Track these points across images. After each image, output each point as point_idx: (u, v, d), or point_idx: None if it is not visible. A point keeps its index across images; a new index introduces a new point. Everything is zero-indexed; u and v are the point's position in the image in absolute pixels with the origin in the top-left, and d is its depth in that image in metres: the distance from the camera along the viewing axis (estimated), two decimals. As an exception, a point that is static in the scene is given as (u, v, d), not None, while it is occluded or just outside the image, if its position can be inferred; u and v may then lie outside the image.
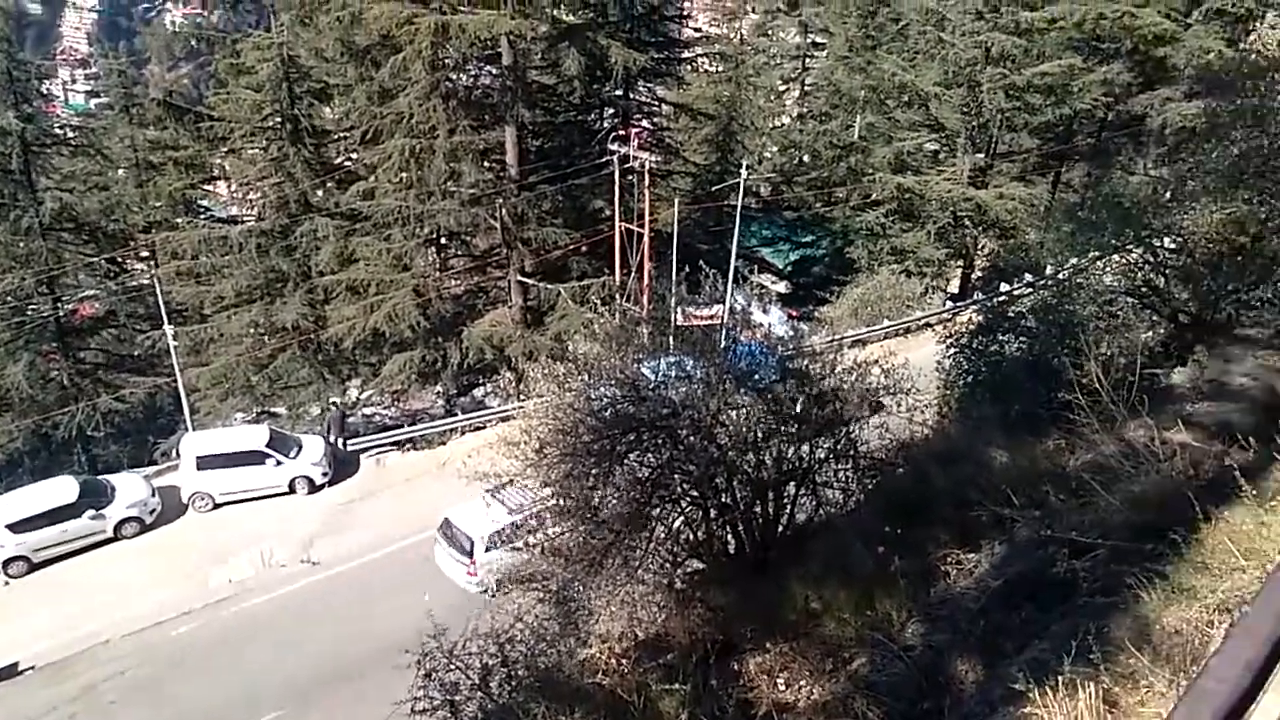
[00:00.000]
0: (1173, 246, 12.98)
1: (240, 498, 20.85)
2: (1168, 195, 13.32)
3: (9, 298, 24.95)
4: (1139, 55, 31.14)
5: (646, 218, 25.78)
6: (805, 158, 39.79)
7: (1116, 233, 13.26)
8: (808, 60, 43.63)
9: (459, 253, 28.25)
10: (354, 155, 28.59)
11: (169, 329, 22.57)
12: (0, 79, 25.09)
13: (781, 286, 35.95)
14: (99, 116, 38.02)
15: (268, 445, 21.03)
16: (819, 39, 43.35)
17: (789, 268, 36.50)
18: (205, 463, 20.62)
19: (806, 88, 43.48)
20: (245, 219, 28.66)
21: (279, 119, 25.99)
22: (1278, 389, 9.23)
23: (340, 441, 23.03)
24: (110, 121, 31.26)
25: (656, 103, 32.27)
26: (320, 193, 27.31)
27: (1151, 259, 13.13)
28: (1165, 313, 13.08)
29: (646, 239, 25.87)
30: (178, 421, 26.58)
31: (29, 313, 25.50)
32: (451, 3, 23.37)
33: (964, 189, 29.60)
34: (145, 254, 29.32)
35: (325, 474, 21.52)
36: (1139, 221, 13.04)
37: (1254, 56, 17.54)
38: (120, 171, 30.08)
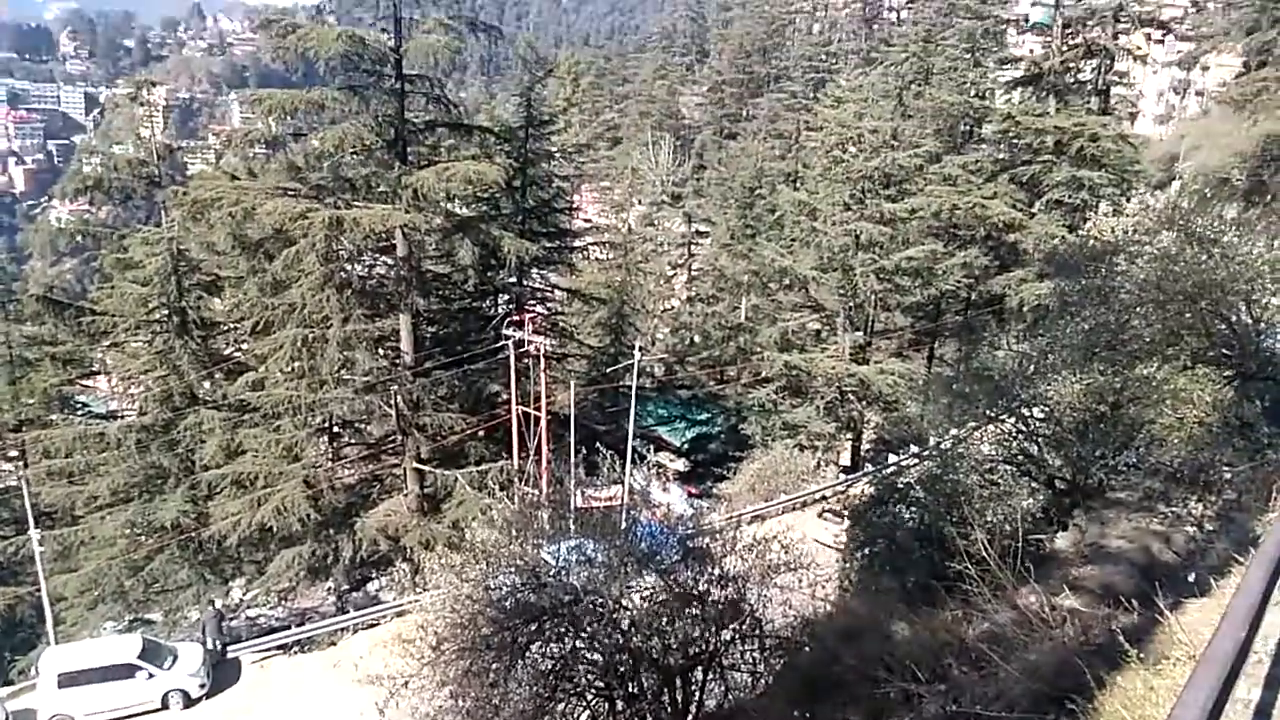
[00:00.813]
0: (1041, 415, 13.81)
1: (107, 718, 19.04)
2: (1031, 368, 14.28)
3: None
4: (993, 240, 34.00)
5: (543, 401, 25.99)
6: (696, 338, 41.24)
7: (989, 404, 14.08)
8: (693, 247, 46.02)
9: (352, 441, 27.71)
10: (244, 346, 28.23)
11: (35, 533, 21.14)
12: None
13: (680, 464, 36.29)
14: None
15: (139, 657, 19.44)
16: (702, 228, 45.94)
17: (686, 445, 37.01)
18: (67, 680, 18.83)
19: (693, 272, 45.62)
20: (126, 414, 27.63)
21: (166, 312, 25.68)
22: (1152, 550, 9.70)
23: (219, 647, 21.49)
24: (-16, 318, 30.20)
25: (550, 288, 33.22)
26: (207, 385, 26.71)
27: (1024, 428, 13.92)
28: (1042, 479, 13.75)
29: (544, 422, 25.96)
30: (39, 635, 24.45)
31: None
32: (346, 198, 23.96)
33: (847, 365, 31.03)
34: (14, 454, 27.76)
35: (203, 685, 19.93)
36: (1008, 393, 13.91)
37: (1091, 242, 19.40)
38: (-9, 368, 28.81)
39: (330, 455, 26.19)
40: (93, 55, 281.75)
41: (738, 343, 36.64)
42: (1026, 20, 40.94)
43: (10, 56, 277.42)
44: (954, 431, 15.23)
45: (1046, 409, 13.77)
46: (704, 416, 37.76)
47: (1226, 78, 48.51)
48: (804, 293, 32.71)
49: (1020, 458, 14.05)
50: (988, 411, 14.14)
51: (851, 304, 31.39)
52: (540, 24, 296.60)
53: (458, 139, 25.97)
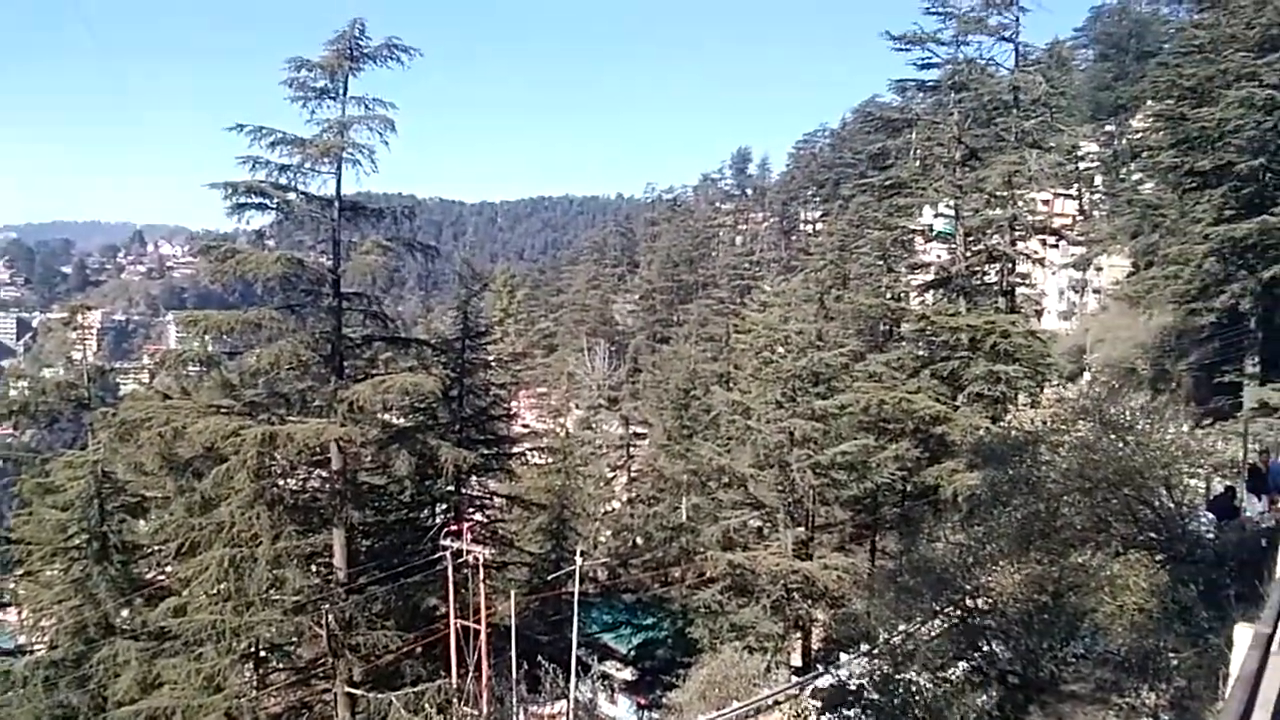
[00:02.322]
0: (986, 607, 13.82)
1: None
2: (971, 559, 14.42)
3: None
4: (921, 433, 34.98)
5: (483, 613, 25.11)
6: (639, 540, 40.77)
7: (933, 596, 14.07)
8: (631, 449, 46.35)
9: (280, 666, 26.17)
10: (167, 570, 27.05)
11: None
12: None
13: (627, 673, 34.88)
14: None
15: None
16: (640, 429, 46.50)
17: (633, 653, 35.73)
18: None
19: (633, 474, 45.71)
20: (35, 648, 25.88)
21: (86, 537, 24.69)
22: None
23: None
24: (-114, 551, 28.62)
25: (488, 496, 32.87)
26: (125, 613, 25.31)
27: (970, 620, 13.88)
28: (994, 674, 13.58)
29: (483, 636, 24.98)
30: None
31: None
32: (281, 413, 23.84)
33: (790, 562, 30.81)
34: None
35: None
36: (951, 584, 13.95)
37: (1014, 433, 20.13)
38: (-112, 606, 27.06)
39: (255, 684, 24.62)
40: (28, 281, 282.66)
41: (680, 543, 36.29)
42: (932, 229, 44.03)
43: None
44: (902, 627, 15.09)
45: (990, 600, 13.80)
46: (650, 621, 36.71)
47: (1119, 276, 52.45)
48: (743, 490, 32.88)
49: (970, 651, 13.91)
50: (933, 605, 14.11)
51: (790, 500, 31.59)
52: (476, 242, 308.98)
53: (395, 352, 26.35)
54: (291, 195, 22.98)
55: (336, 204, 23.04)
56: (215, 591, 23.34)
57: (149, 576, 27.28)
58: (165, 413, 23.15)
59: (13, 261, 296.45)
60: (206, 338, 25.04)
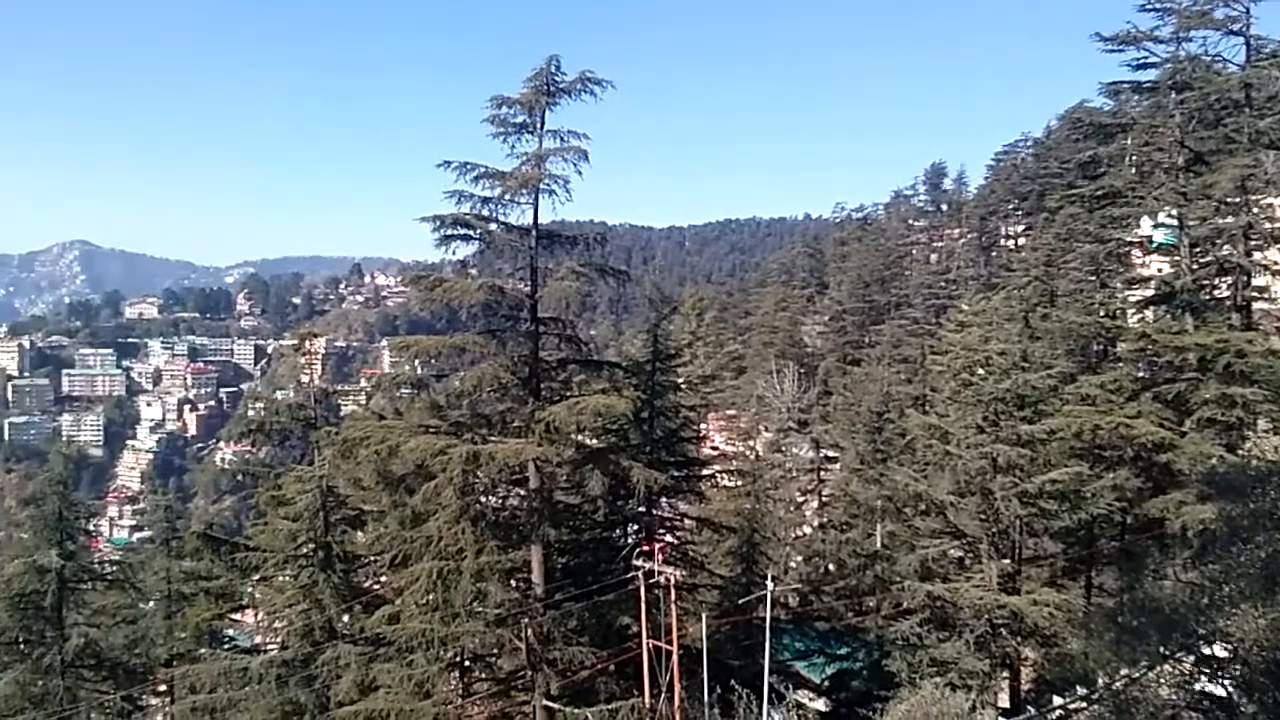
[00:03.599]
0: (1225, 654, 12.51)
1: None
2: (1205, 600, 13.10)
3: (13, 742, 23.91)
4: (1143, 461, 32.26)
5: (674, 634, 25.21)
6: (831, 566, 39.76)
7: (1161, 640, 12.89)
8: (822, 473, 45.38)
9: (483, 676, 27.31)
10: (382, 579, 28.89)
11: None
12: (50, 519, 26.38)
13: (821, 704, 34.00)
14: (139, 550, 39.19)
15: None
16: (831, 453, 45.47)
17: (826, 683, 34.80)
18: None
19: (824, 498, 44.71)
20: (268, 648, 28.24)
21: (312, 546, 26.71)
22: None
23: None
24: (149, 555, 32.17)
25: (679, 517, 33.07)
26: (346, 618, 27.20)
27: (1206, 669, 12.61)
28: (1235, 727, 12.25)
29: (675, 657, 25.06)
30: None
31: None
32: (483, 433, 25.00)
33: (995, 595, 29.11)
34: (163, 689, 28.53)
35: None
36: (1183, 627, 12.73)
37: (1254, 462, 18.20)
38: (151, 604, 30.32)
39: (461, 691, 25.81)
40: (264, 312, 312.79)
41: (875, 571, 35.08)
42: (1151, 241, 40.71)
43: (194, 316, 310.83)
44: (1124, 671, 13.90)
45: (1230, 647, 12.49)
46: (844, 651, 35.67)
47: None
48: (942, 518, 31.41)
49: (1206, 703, 12.63)
50: (1160, 648, 12.91)
51: (994, 529, 29.87)
52: (665, 266, 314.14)
53: (588, 374, 27.12)
54: (493, 226, 24.21)
55: (534, 233, 24.06)
56: (425, 601, 24.69)
57: (366, 585, 29.21)
58: (381, 432, 24.80)
59: (251, 294, 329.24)
60: (416, 362, 26.75)
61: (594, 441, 29.25)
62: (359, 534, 31.02)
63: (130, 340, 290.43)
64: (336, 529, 27.17)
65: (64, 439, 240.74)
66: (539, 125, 23.18)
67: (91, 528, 34.09)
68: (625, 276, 29.47)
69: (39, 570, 25.79)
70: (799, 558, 42.43)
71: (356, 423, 29.29)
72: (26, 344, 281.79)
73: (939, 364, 37.59)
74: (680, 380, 33.76)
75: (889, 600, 32.56)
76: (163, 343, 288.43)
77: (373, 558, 29.67)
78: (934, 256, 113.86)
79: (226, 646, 29.27)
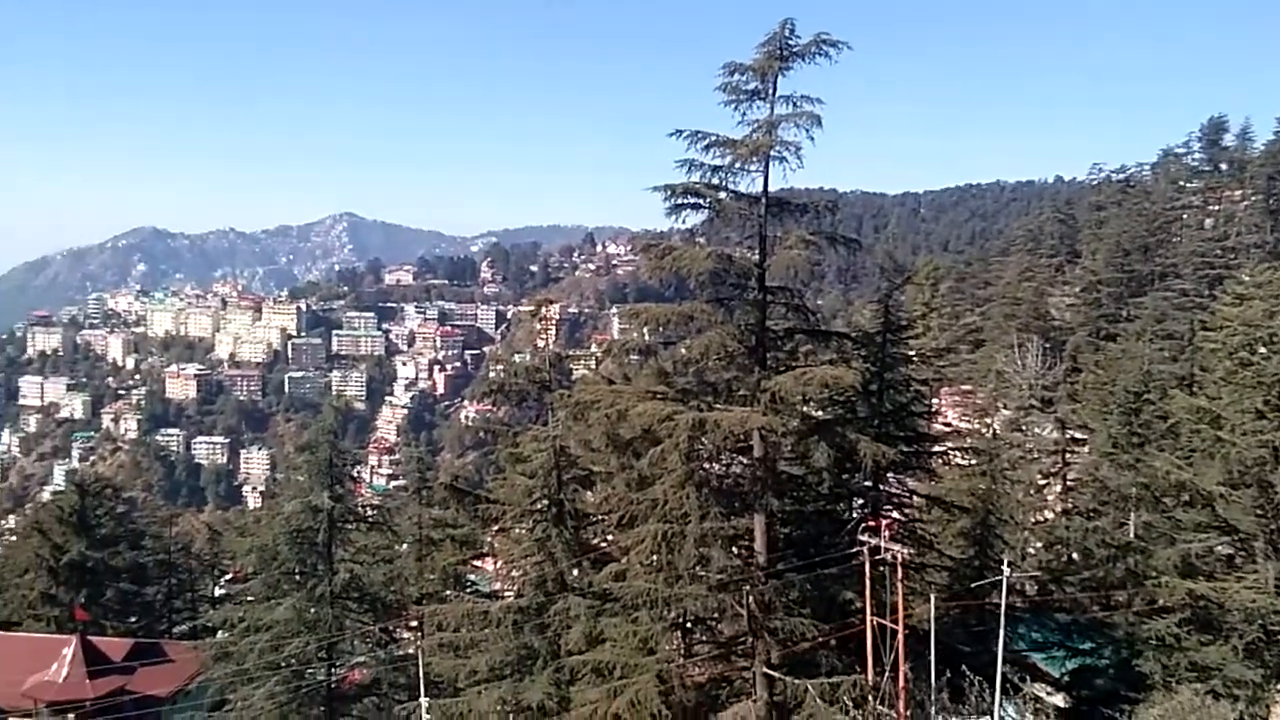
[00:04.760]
0: None
1: None
2: None
3: (292, 661, 26.97)
4: None
5: (900, 612, 24.47)
6: (1075, 556, 37.13)
7: None
8: (1068, 455, 42.30)
9: (704, 639, 27.80)
10: (609, 538, 29.98)
11: (424, 701, 23.26)
12: (322, 465, 29.34)
13: (1059, 699, 31.96)
14: (394, 496, 42.99)
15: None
16: (1078, 434, 42.27)
17: (1066, 678, 32.64)
18: None
19: (1069, 483, 41.71)
20: (505, 595, 30.13)
21: (546, 502, 28.12)
22: None
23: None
24: (403, 501, 35.17)
25: (907, 494, 31.95)
26: (575, 572, 28.49)
27: None
28: None
29: (900, 636, 24.33)
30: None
31: (305, 676, 27.30)
32: (708, 401, 25.20)
33: (1272, 600, 26.10)
34: (414, 625, 31.18)
35: None
36: None
37: None
38: (404, 546, 33.13)
39: (682, 651, 26.41)
40: (505, 279, 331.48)
41: (1126, 564, 32.36)
42: None
43: (444, 283, 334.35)
44: None
45: None
46: (1087, 646, 33.28)
47: None
48: (1209, 511, 28.45)
49: None
50: None
51: (1273, 526, 26.74)
52: (898, 233, 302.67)
53: (815, 344, 26.64)
54: (722, 194, 24.16)
55: (763, 201, 23.80)
56: (649, 562, 25.39)
57: (595, 542, 30.43)
58: (610, 396, 25.59)
59: (494, 262, 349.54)
60: (645, 329, 27.31)
61: (820, 413, 28.77)
62: (588, 493, 32.30)
63: (389, 304, 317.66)
64: (568, 487, 28.42)
65: (334, 393, 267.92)
66: (771, 91, 22.81)
67: (356, 474, 37.76)
68: (856, 245, 28.55)
69: (313, 510, 28.83)
70: (1038, 544, 39.93)
71: (588, 387, 30.37)
72: (303, 307, 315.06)
73: (1212, 341, 33.86)
74: (912, 352, 32.48)
75: (1142, 596, 29.98)
76: (416, 307, 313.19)
77: (601, 516, 30.83)
78: (1209, 221, 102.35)
79: (469, 590, 31.53)
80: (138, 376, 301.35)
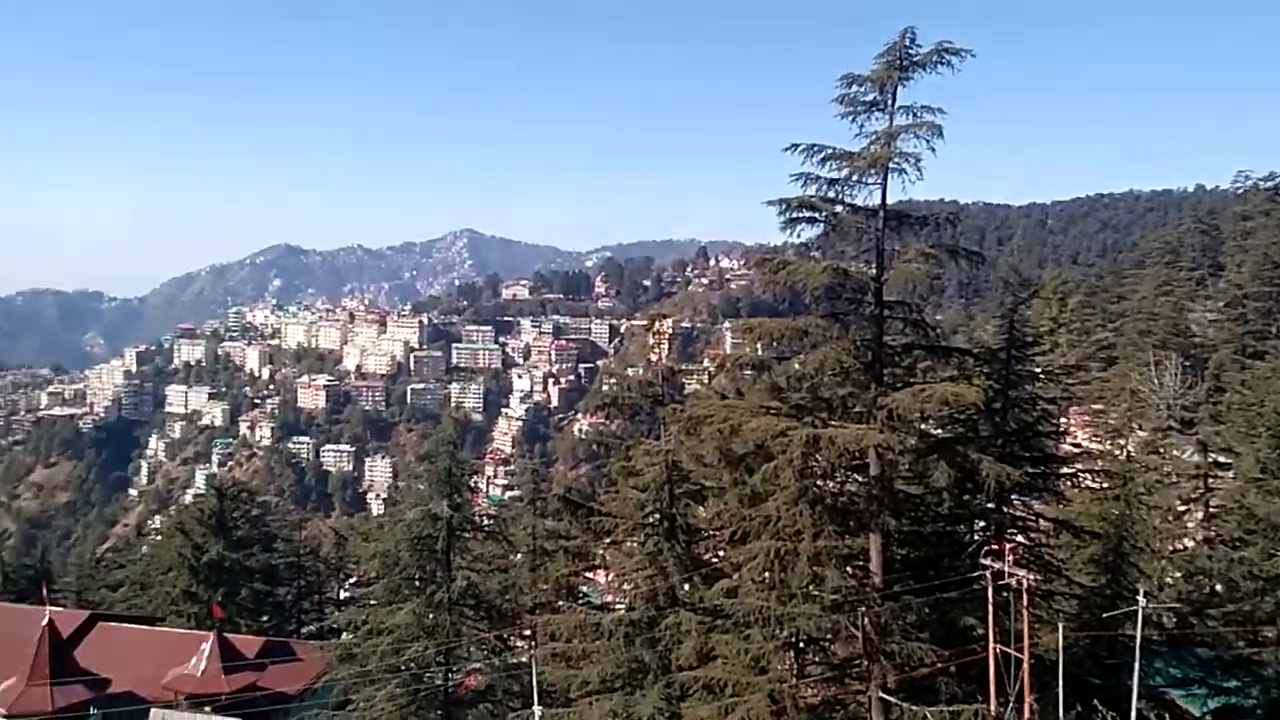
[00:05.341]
0: None
1: None
2: None
3: (411, 664, 27.76)
4: None
5: (1025, 641, 23.49)
6: (1218, 587, 34.87)
7: None
8: (1210, 480, 39.82)
9: (817, 659, 27.27)
10: (721, 553, 29.77)
11: (537, 709, 23.57)
12: (441, 474, 30.17)
13: (1199, 740, 30.09)
14: (509, 507, 43.87)
15: None
16: (1222, 458, 39.76)
17: (1208, 717, 30.67)
18: None
19: (1212, 509, 39.24)
20: (617, 607, 30.28)
21: (658, 516, 28.15)
22: None
23: None
24: (518, 511, 35.81)
25: (1033, 518, 30.65)
26: (687, 587, 28.40)
27: None
28: None
29: (1026, 665, 23.35)
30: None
31: (423, 680, 28.05)
32: (823, 417, 24.81)
33: None
34: (527, 633, 31.67)
35: None
36: None
37: None
38: (519, 556, 33.71)
39: (795, 672, 25.97)
40: (618, 293, 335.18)
41: (1276, 597, 30.20)
42: None
43: (559, 297, 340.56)
44: None
45: None
46: (1233, 684, 31.18)
47: None
48: (1372, 543, 26.33)
49: None
50: None
51: None
52: (1023, 246, 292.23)
53: (935, 361, 25.93)
54: (839, 207, 23.85)
55: (881, 213, 23.39)
56: (762, 579, 25.09)
57: (706, 557, 30.27)
58: (723, 411, 25.49)
59: (607, 277, 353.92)
60: (758, 344, 27.12)
61: (939, 431, 27.97)
62: (700, 508, 32.18)
63: (506, 319, 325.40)
64: (680, 502, 28.38)
65: (453, 405, 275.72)
66: (889, 102, 22.41)
67: (473, 484, 38.66)
68: (978, 258, 27.74)
69: (432, 517, 29.65)
70: (1177, 573, 37.66)
71: (700, 401, 30.32)
72: (425, 320, 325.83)
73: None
74: (1039, 370, 31.20)
75: (1294, 632, 27.89)
76: (532, 321, 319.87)
77: (713, 532, 30.66)
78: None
79: (581, 601, 31.78)
80: (272, 386, 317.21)
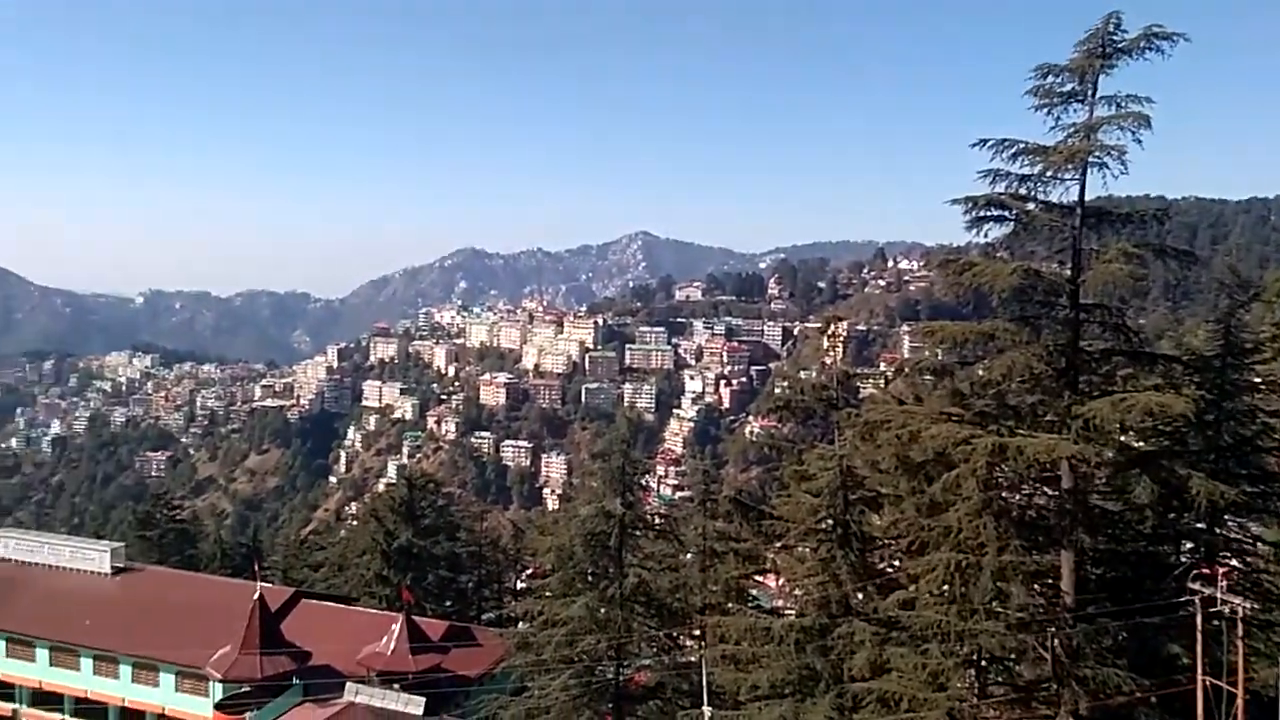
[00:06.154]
0: None
1: None
2: None
3: (583, 657, 28.48)
4: None
5: (1240, 674, 21.51)
6: None
7: None
8: None
9: (1000, 679, 25.99)
10: (897, 563, 28.90)
11: (707, 710, 23.67)
12: (615, 472, 30.78)
13: None
14: (680, 507, 44.21)
15: None
16: None
17: None
18: None
19: None
20: (787, 612, 29.95)
21: (831, 522, 27.63)
22: None
23: None
24: (688, 512, 36.02)
25: (1250, 541, 28.07)
26: (860, 596, 27.74)
27: None
28: None
29: (1240, 701, 21.39)
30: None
31: (595, 673, 28.72)
32: (1009, 425, 23.61)
33: None
34: (697, 633, 31.84)
35: None
36: None
37: None
38: (689, 556, 33.93)
39: (976, 691, 24.87)
40: (792, 295, 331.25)
41: None
42: None
43: (731, 299, 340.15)
44: None
45: None
46: None
47: None
48: None
49: None
50: None
51: None
52: (1242, 244, 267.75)
53: (1137, 368, 24.18)
54: (1030, 205, 22.65)
55: (1078, 211, 22.03)
56: (940, 592, 24.16)
57: (881, 567, 29.46)
58: (901, 417, 24.72)
59: (781, 279, 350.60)
60: (940, 348, 26.14)
61: (1141, 444, 26.08)
62: (876, 516, 31.34)
63: (678, 320, 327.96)
64: (855, 508, 27.75)
65: (626, 404, 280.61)
66: (1090, 92, 21.06)
67: (645, 483, 39.22)
68: (1188, 258, 25.67)
69: (606, 514, 30.31)
70: None
71: (876, 406, 29.55)
72: (600, 321, 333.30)
73: None
74: (1259, 379, 28.51)
75: None
76: (704, 323, 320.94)
77: (888, 540, 29.80)
78: None
79: (751, 604, 31.61)
80: (457, 383, 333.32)
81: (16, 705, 50.62)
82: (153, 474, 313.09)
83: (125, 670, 48.10)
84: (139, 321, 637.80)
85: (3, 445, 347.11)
